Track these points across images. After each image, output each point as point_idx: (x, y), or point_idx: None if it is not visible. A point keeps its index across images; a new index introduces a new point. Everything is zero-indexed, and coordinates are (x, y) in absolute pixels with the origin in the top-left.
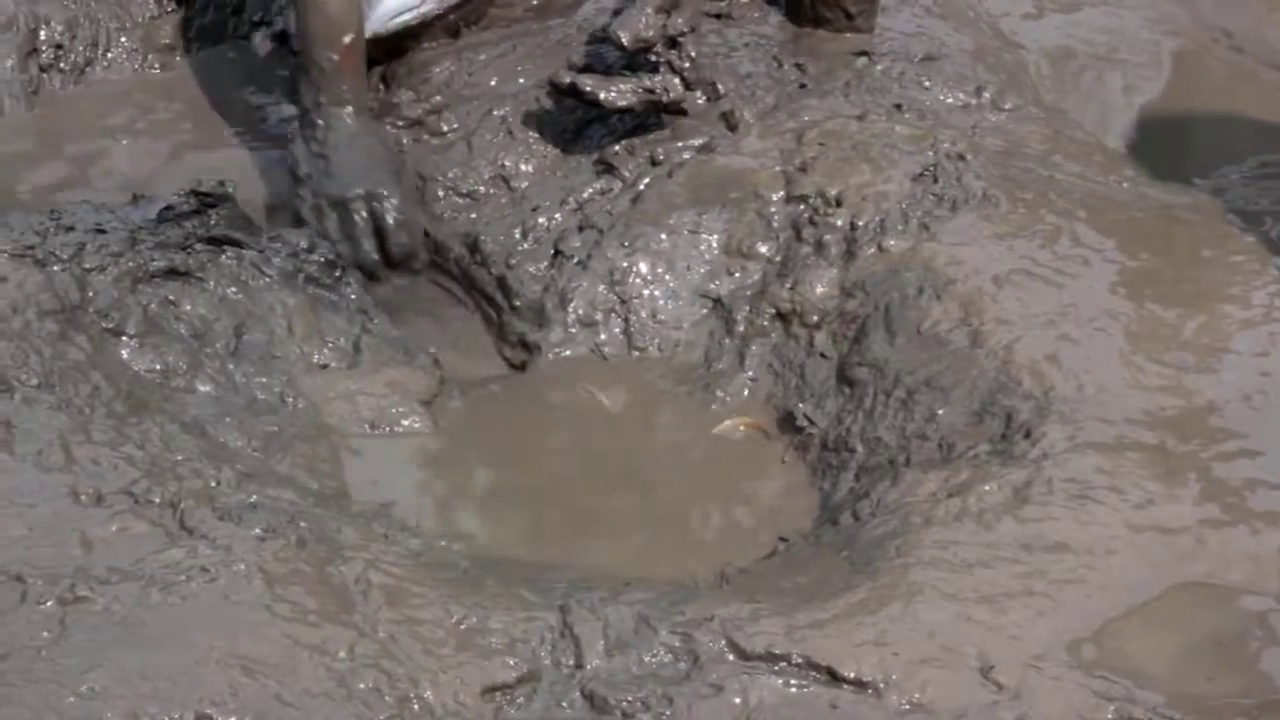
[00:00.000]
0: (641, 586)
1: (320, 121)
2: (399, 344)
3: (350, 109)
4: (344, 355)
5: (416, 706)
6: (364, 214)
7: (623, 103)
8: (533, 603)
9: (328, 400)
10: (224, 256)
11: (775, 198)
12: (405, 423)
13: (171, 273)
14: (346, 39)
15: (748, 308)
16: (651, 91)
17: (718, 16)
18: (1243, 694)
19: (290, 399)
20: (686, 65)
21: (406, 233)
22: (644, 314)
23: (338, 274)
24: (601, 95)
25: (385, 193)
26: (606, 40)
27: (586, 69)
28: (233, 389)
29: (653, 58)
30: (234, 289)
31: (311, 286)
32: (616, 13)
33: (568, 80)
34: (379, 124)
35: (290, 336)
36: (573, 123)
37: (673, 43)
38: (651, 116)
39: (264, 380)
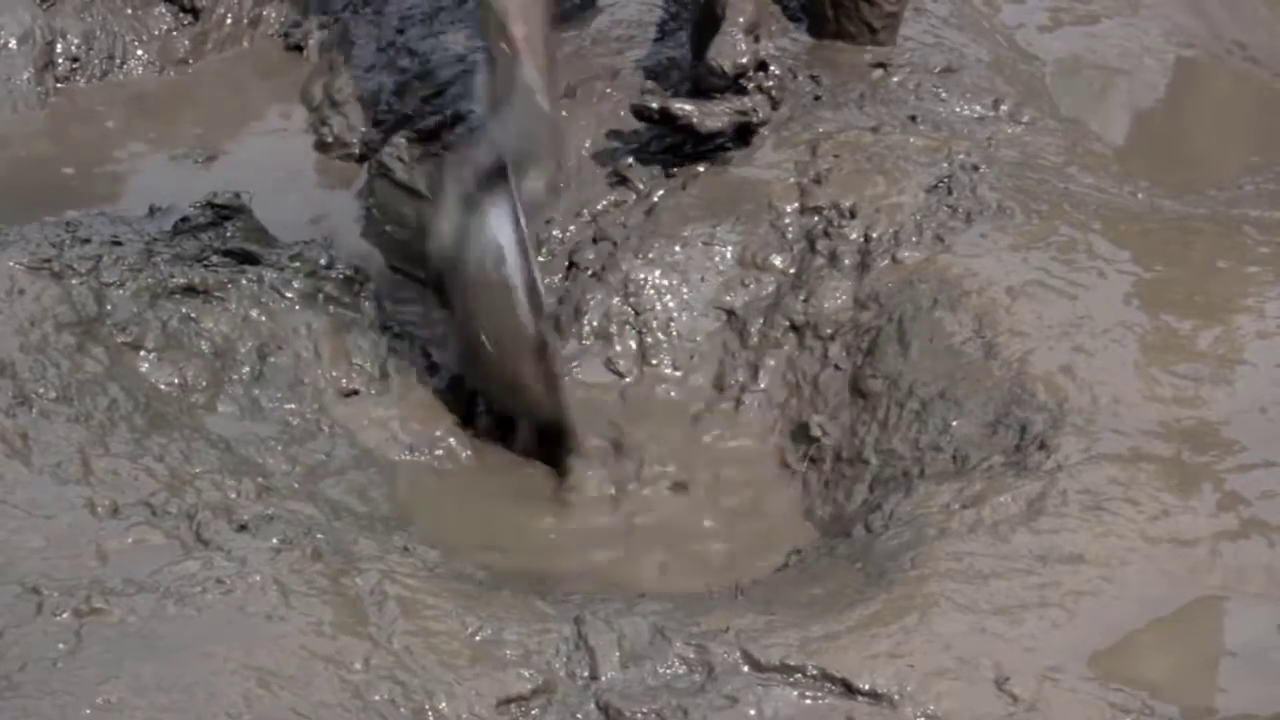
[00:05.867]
0: (656, 598)
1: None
2: (424, 363)
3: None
4: (372, 379)
5: (432, 718)
6: None
7: (716, 125)
8: (548, 614)
9: (363, 427)
10: (244, 278)
11: (789, 209)
12: (442, 445)
13: (190, 290)
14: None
15: (762, 320)
16: (744, 113)
17: None
18: (1259, 706)
19: (325, 426)
20: (772, 84)
21: None
22: (658, 326)
23: (357, 290)
24: (695, 119)
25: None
26: (670, 67)
27: (647, 93)
28: (259, 412)
29: (743, 82)
30: (255, 310)
31: (333, 306)
32: (639, 24)
33: (657, 105)
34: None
35: (317, 360)
36: (586, 134)
37: (762, 65)
38: (684, 137)
39: (294, 406)
